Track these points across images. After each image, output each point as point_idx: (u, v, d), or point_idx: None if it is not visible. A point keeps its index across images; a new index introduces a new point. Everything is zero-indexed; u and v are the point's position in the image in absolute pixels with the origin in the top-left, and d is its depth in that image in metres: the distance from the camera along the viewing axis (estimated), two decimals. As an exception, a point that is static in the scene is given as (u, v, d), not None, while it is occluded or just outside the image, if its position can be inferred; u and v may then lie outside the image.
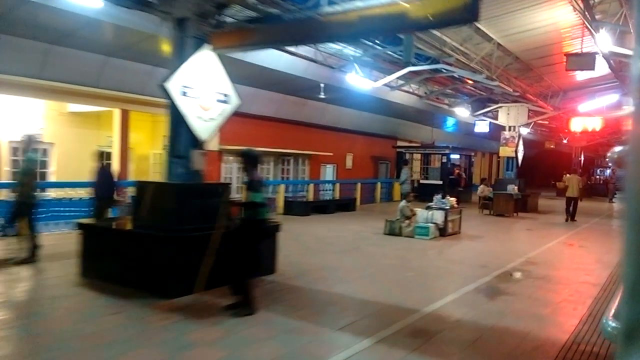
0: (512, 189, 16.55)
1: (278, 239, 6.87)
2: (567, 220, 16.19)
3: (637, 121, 0.84)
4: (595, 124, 17.55)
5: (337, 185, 20.36)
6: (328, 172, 21.44)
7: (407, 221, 10.95)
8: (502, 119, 19.54)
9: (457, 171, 21.52)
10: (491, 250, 9.68)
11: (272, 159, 17.96)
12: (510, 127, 19.35)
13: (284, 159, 18.39)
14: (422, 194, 21.22)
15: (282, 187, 15.63)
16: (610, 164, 27.69)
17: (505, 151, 19.34)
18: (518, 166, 19.24)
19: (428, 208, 11.19)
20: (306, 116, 18.24)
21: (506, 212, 16.30)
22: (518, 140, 18.97)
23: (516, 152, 18.79)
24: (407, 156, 22.56)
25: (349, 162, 22.27)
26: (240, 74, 14.59)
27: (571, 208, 16.35)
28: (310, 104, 17.77)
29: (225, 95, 6.59)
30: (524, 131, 27.58)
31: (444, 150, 21.22)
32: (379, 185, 20.70)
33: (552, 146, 33.00)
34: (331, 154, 19.41)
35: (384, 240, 10.38)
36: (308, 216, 14.34)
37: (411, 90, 17.42)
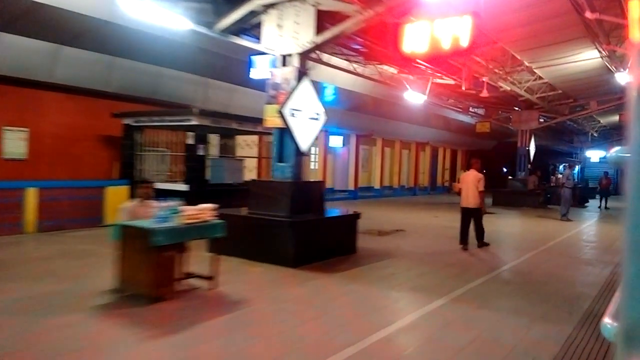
0: (171, 213, 5.27)
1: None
2: (462, 247, 9.29)
3: (636, 119, 0.77)
4: (460, 31, 6.39)
5: None
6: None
7: None
8: (268, 40, 8.25)
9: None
10: None
11: None
12: (284, 57, 8.08)
13: None
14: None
15: None
16: (570, 165, 16.44)
17: (271, 115, 8.06)
18: (301, 152, 7.96)
19: None
20: None
21: (142, 287, 5.08)
22: (294, 90, 7.72)
23: (284, 117, 7.53)
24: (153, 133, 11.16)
25: (13, 147, 10.96)
26: None
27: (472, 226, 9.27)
28: None
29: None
30: (420, 99, 16.28)
31: (187, 119, 9.84)
32: (29, 193, 9.41)
33: (486, 130, 21.73)
34: None
35: None
36: None
37: None
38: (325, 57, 13.03)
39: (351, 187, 23.22)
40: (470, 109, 22.41)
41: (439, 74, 14.04)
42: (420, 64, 13.86)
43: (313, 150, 22.94)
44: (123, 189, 11.08)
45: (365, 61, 13.52)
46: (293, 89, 7.75)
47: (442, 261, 8.03)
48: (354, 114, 20.56)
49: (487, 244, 9.50)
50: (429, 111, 22.70)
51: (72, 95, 11.62)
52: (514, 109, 21.25)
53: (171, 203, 5.29)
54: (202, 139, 10.06)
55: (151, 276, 5.04)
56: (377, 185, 25.79)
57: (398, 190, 27.62)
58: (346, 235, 8.22)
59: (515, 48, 12.27)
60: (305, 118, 7.95)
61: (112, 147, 12.17)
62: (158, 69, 12.32)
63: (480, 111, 23.27)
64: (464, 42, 6.28)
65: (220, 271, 6.02)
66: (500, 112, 21.99)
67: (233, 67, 12.27)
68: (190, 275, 5.83)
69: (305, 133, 7.96)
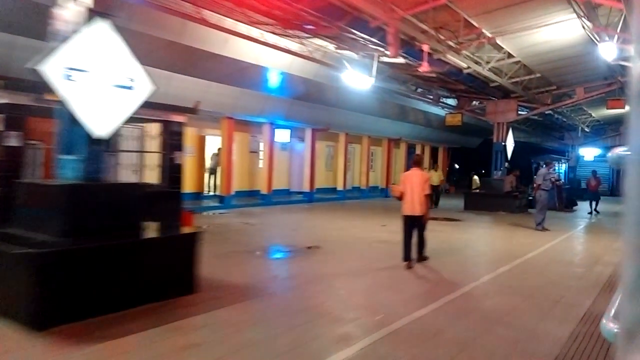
0: None
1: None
2: (407, 265, 7.16)
3: (636, 120, 0.77)
4: None
5: None
6: None
7: None
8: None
9: None
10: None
11: None
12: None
13: None
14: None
15: None
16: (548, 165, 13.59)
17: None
18: (95, 140, 5.12)
19: None
20: None
21: None
22: (74, 36, 4.87)
23: (47, 78, 4.68)
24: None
25: None
26: None
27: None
28: None
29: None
30: (365, 82, 13.29)
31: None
32: None
33: (457, 123, 18.84)
34: None
35: None
36: None
37: None
38: (229, 22, 10.12)
39: (306, 188, 20.30)
40: (441, 100, 19.51)
41: (381, 48, 11.16)
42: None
43: (260, 146, 19.94)
44: None
45: (284, 30, 10.63)
46: (72, 36, 4.86)
47: (324, 306, 5.13)
48: (306, 104, 17.64)
49: (426, 258, 7.43)
50: (396, 102, 19.84)
51: None
52: (490, 99, 18.39)
53: None
54: (15, 124, 7.15)
55: None
56: (340, 187, 22.89)
57: (366, 191, 24.67)
58: (173, 268, 5.30)
59: (467, 10, 9.38)
60: (101, 85, 5.04)
61: None
62: (11, 38, 9.51)
63: (453, 102, 20.40)
64: None
65: None
66: (473, 102, 19.12)
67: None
68: None
69: (101, 109, 5.06)
